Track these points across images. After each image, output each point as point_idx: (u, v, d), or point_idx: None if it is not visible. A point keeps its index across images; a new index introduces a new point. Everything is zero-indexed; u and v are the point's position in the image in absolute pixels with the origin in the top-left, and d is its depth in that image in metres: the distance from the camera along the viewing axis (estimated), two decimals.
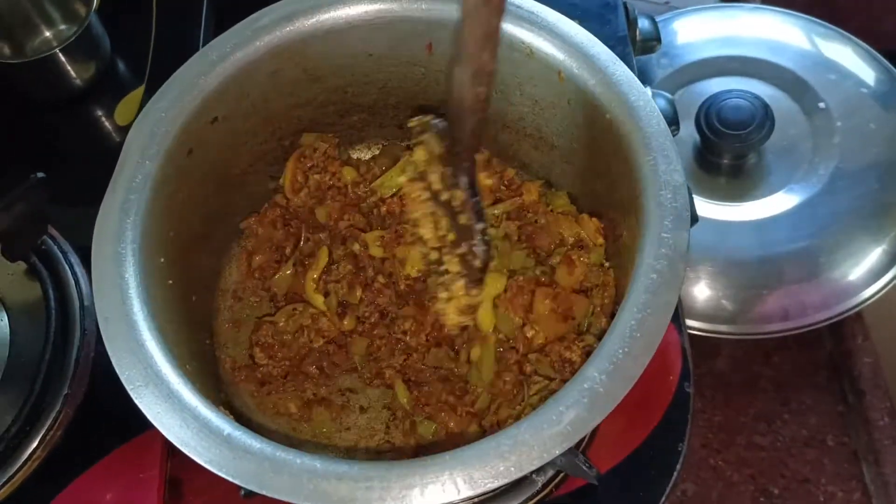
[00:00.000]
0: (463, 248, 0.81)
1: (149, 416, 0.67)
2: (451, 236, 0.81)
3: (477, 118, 0.70)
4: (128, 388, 0.68)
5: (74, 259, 1.00)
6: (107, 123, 1.15)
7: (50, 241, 1.00)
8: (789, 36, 1.38)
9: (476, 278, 0.83)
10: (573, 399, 0.65)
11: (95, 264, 0.73)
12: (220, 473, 0.64)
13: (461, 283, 0.83)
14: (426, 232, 0.82)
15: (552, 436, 0.64)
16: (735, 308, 1.23)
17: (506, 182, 0.95)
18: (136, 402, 0.67)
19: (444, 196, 0.79)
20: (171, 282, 0.80)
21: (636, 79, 0.79)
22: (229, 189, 0.92)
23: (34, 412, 0.89)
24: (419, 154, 0.80)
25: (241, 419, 0.85)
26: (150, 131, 0.79)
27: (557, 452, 0.63)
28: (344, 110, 0.96)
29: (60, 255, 1.00)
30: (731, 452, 1.23)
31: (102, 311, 0.71)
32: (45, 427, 0.89)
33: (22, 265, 0.97)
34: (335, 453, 0.86)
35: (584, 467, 0.82)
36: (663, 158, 0.74)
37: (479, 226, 0.79)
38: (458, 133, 0.74)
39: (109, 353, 0.69)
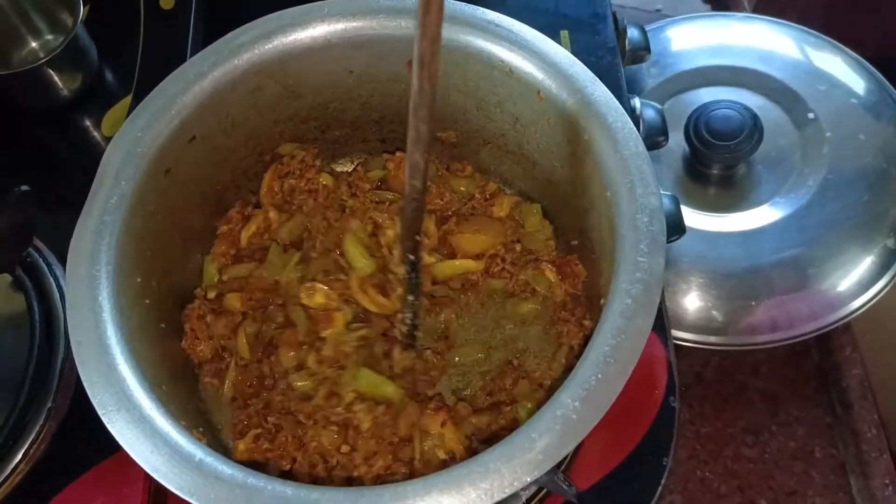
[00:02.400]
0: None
1: (120, 442, 0.67)
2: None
3: (414, 206, 0.73)
4: (100, 412, 0.67)
5: (59, 272, 0.99)
6: (94, 134, 1.15)
7: (35, 254, 0.99)
8: (780, 45, 1.37)
9: (407, 343, 0.87)
10: (545, 426, 0.64)
11: (69, 287, 0.73)
12: (191, 500, 0.64)
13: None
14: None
15: (523, 463, 0.63)
16: (724, 319, 1.23)
17: (487, 195, 0.95)
18: (108, 426, 0.67)
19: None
20: (147, 301, 0.80)
21: (615, 99, 0.78)
22: (209, 206, 0.92)
23: (17, 426, 0.88)
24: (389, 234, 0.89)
25: (220, 440, 0.86)
26: (127, 151, 0.79)
27: (529, 480, 0.63)
28: (325, 126, 0.95)
29: (45, 267, 0.99)
30: (718, 464, 1.23)
31: (75, 335, 0.71)
32: (29, 441, 0.89)
33: (6, 277, 0.97)
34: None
35: (563, 486, 0.82)
36: (640, 181, 0.74)
37: (410, 297, 0.85)
38: (402, 216, 0.78)
39: (82, 378, 0.69)
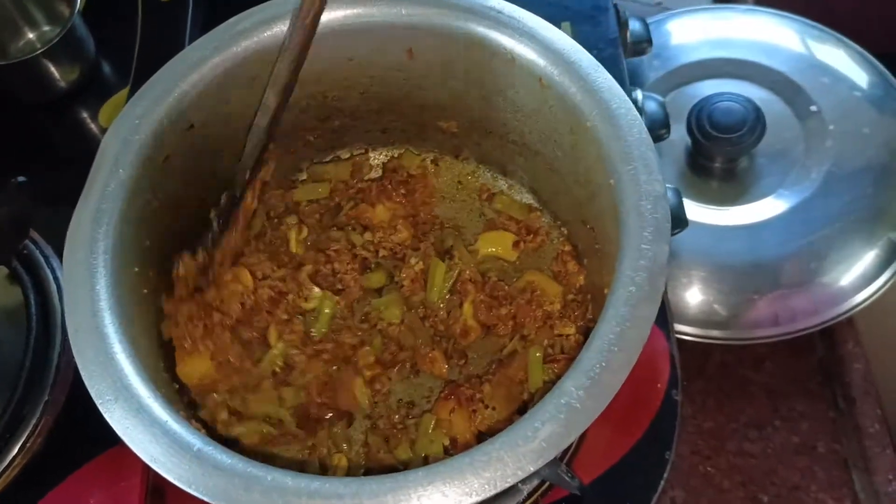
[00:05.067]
0: None
1: (118, 431, 0.66)
2: None
3: (255, 142, 0.81)
4: (97, 401, 0.67)
5: (56, 264, 0.99)
6: (91, 125, 1.15)
7: (32, 246, 0.99)
8: (783, 38, 1.36)
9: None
10: (549, 415, 0.64)
11: (66, 275, 0.72)
12: (189, 490, 0.63)
13: None
14: None
15: (527, 452, 0.62)
16: (726, 313, 1.22)
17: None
18: (106, 416, 0.66)
19: None
20: (145, 291, 0.79)
21: (618, 86, 0.77)
22: (208, 195, 0.90)
23: (14, 419, 0.88)
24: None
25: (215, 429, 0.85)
26: (125, 138, 0.78)
27: (532, 469, 0.62)
28: (325, 115, 0.94)
29: (42, 259, 0.99)
30: (721, 459, 1.22)
31: (72, 323, 0.70)
32: (25, 434, 0.89)
33: (3, 270, 0.97)
34: (309, 467, 0.85)
35: (566, 478, 0.82)
36: (644, 168, 0.73)
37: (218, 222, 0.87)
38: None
39: (79, 366, 0.68)
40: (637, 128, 0.75)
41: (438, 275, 0.90)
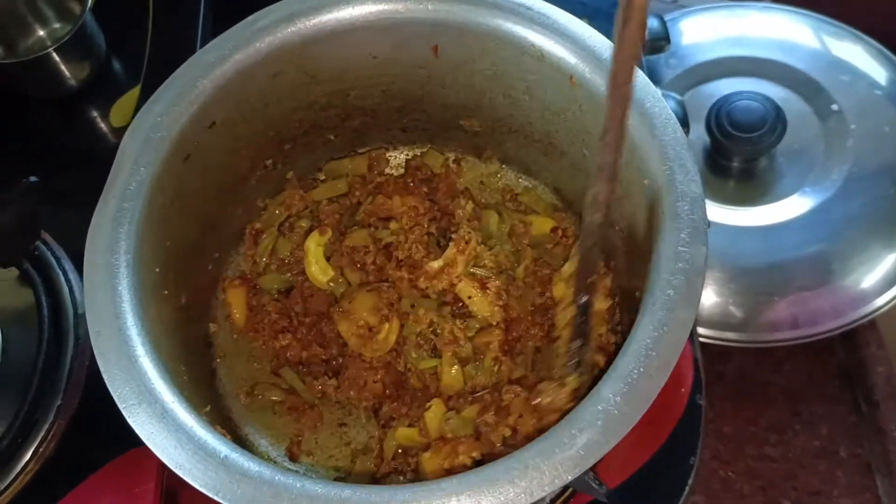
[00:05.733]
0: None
1: (142, 437, 0.64)
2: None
3: (591, 242, 0.69)
4: (120, 406, 0.65)
5: (68, 265, 0.97)
6: (101, 125, 1.13)
7: (43, 247, 0.98)
8: (801, 35, 1.35)
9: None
10: (586, 421, 0.62)
11: (87, 276, 0.71)
12: (216, 498, 0.62)
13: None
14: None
15: (564, 460, 0.61)
16: (744, 315, 1.21)
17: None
18: (129, 421, 0.65)
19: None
20: (166, 292, 0.78)
21: (651, 84, 0.76)
22: (228, 195, 0.90)
23: (26, 424, 0.87)
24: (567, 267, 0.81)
25: (237, 432, 0.85)
26: (146, 137, 0.77)
27: (569, 478, 0.61)
28: (346, 113, 0.93)
29: (54, 260, 0.97)
30: (740, 464, 1.21)
31: (94, 325, 0.68)
32: (38, 439, 0.87)
33: (14, 271, 0.95)
34: (334, 472, 0.85)
35: (593, 485, 0.80)
36: (680, 168, 0.71)
37: (576, 343, 0.75)
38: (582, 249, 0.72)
39: (101, 370, 0.67)
40: (672, 127, 0.73)
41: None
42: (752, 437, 1.22)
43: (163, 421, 0.65)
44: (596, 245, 0.69)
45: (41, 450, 0.87)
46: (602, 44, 0.78)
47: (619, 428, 0.63)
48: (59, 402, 0.88)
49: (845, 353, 1.27)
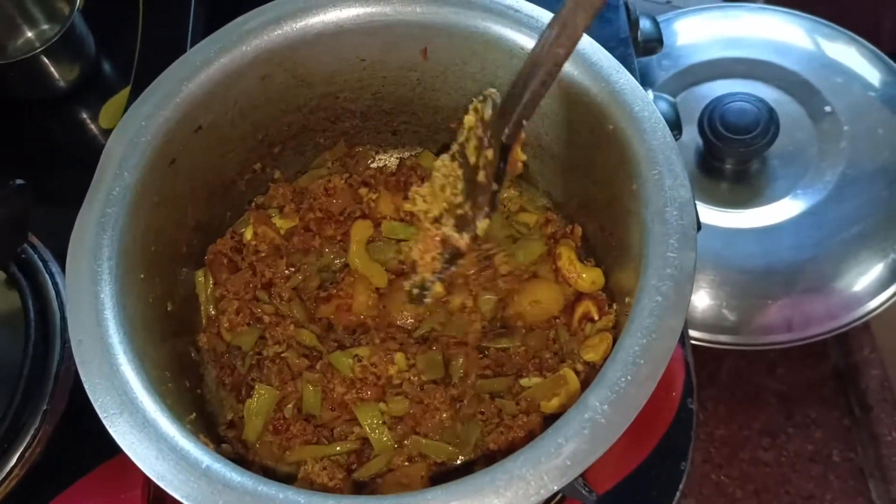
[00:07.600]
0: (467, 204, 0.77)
1: (123, 447, 0.64)
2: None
3: (541, 80, 0.67)
4: (101, 415, 0.65)
5: (55, 268, 0.97)
6: (91, 126, 1.13)
7: (30, 250, 0.97)
8: (794, 37, 1.35)
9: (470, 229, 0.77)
10: (573, 430, 0.62)
11: (70, 283, 0.70)
12: None
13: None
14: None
15: (550, 469, 0.61)
16: (737, 318, 1.20)
17: None
18: (110, 430, 0.64)
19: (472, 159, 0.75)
20: (151, 299, 0.77)
21: (640, 88, 0.75)
22: (216, 198, 0.89)
23: (12, 429, 0.86)
24: (468, 119, 0.76)
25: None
26: (130, 141, 0.76)
27: (555, 488, 0.60)
28: (335, 116, 0.92)
29: (41, 263, 0.97)
30: (733, 467, 1.20)
31: (76, 333, 0.68)
32: (24, 444, 0.86)
33: (0, 275, 0.94)
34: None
35: (582, 491, 0.79)
36: (669, 173, 0.71)
37: (494, 186, 0.73)
38: (515, 98, 0.69)
39: (83, 379, 0.66)
40: (661, 131, 0.73)
41: None
42: (746, 441, 1.22)
43: (144, 431, 0.64)
44: (543, 85, 0.67)
45: (27, 454, 0.86)
46: (591, 47, 0.78)
47: (607, 436, 0.62)
48: (45, 407, 0.88)
49: (839, 356, 1.27)
